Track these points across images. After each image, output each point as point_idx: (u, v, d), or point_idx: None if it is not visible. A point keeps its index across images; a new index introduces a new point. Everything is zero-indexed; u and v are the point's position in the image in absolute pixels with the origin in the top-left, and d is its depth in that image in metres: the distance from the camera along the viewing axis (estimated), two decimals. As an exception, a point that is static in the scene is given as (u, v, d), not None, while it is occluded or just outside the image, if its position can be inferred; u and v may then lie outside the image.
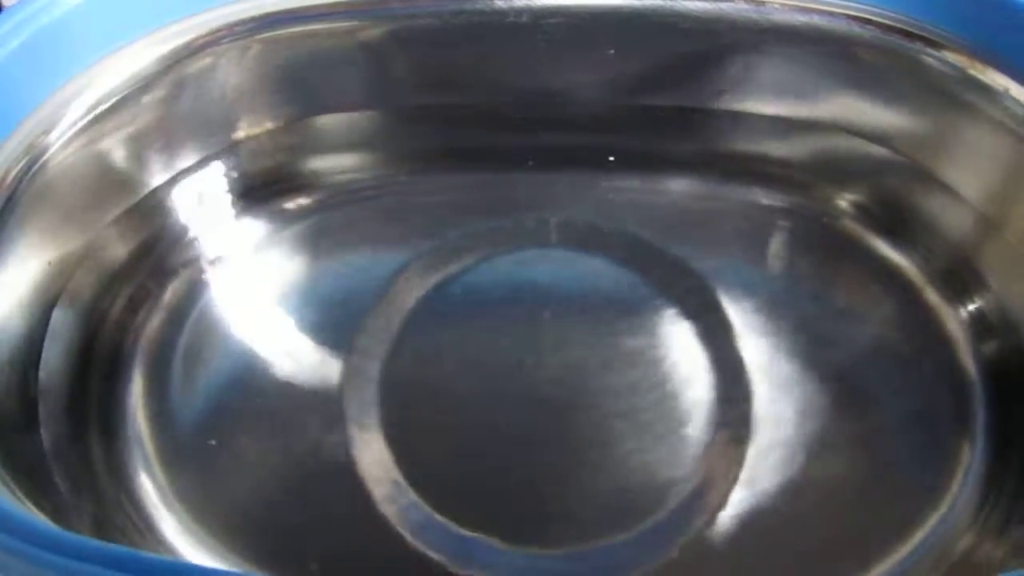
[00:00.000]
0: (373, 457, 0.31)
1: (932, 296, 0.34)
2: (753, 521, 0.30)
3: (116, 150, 0.33)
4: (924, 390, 0.33)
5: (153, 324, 0.34)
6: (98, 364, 0.32)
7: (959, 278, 0.34)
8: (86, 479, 0.30)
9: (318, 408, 0.32)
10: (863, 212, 0.36)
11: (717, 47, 0.36)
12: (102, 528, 0.29)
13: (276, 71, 0.35)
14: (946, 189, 0.35)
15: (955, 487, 0.30)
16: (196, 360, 0.33)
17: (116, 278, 0.34)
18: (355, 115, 0.37)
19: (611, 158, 0.37)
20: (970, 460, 0.31)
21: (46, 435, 0.29)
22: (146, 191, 0.35)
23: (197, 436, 0.32)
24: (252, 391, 0.33)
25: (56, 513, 0.26)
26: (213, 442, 0.31)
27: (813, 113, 0.36)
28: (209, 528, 0.30)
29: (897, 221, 0.36)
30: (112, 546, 0.21)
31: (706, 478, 0.31)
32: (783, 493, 0.30)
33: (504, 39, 0.36)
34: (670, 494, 0.30)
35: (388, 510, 0.30)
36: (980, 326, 0.33)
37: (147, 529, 0.29)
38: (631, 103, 0.37)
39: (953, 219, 0.35)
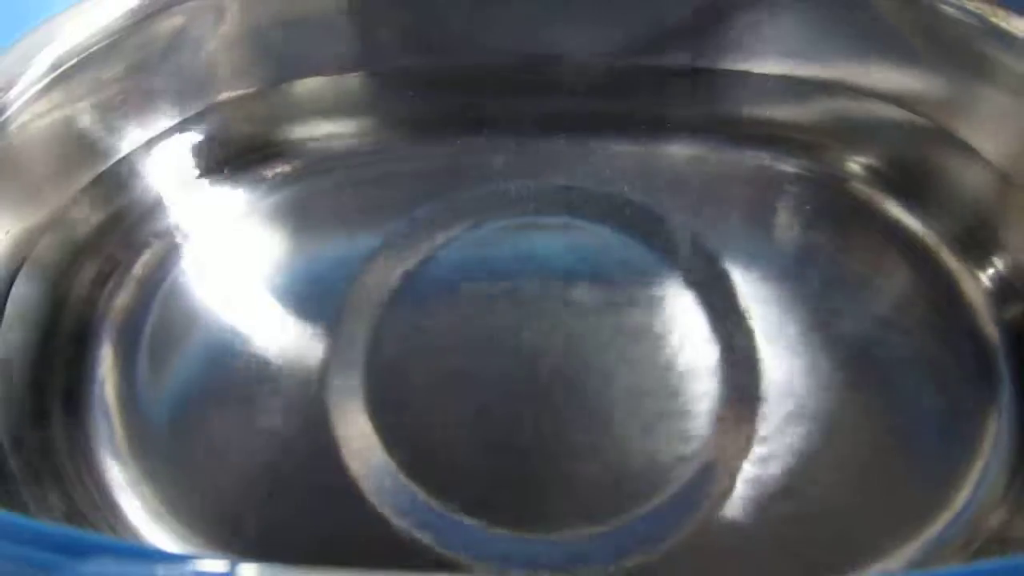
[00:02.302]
0: (357, 438, 0.30)
1: (950, 261, 0.33)
2: (767, 500, 0.29)
3: (82, 112, 0.32)
4: (945, 360, 0.31)
5: (122, 298, 0.33)
6: (63, 340, 0.31)
7: (979, 241, 0.33)
8: (48, 461, 0.29)
9: (298, 387, 0.31)
10: (876, 175, 0.35)
11: (721, 3, 0.34)
12: (64, 513, 0.28)
13: (254, 30, 0.34)
14: (964, 148, 0.33)
15: (982, 461, 0.29)
16: (168, 336, 0.32)
17: (83, 250, 0.32)
18: (338, 78, 0.36)
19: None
20: (997, 432, 0.30)
21: (4, 415, 0.28)
22: (116, 157, 0.33)
23: (168, 416, 0.31)
24: (228, 369, 0.32)
25: (10, 497, 0.24)
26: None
27: (823, 72, 0.35)
28: (180, 514, 0.29)
29: (912, 183, 0.34)
30: (67, 529, 0.20)
31: (716, 456, 0.30)
32: (799, 471, 0.29)
33: (496, -5, 0.35)
34: (677, 473, 0.29)
35: (373, 493, 0.29)
36: (1002, 291, 0.32)
37: (113, 514, 0.28)
38: (631, 64, 0.36)
39: (972, 179, 0.33)
